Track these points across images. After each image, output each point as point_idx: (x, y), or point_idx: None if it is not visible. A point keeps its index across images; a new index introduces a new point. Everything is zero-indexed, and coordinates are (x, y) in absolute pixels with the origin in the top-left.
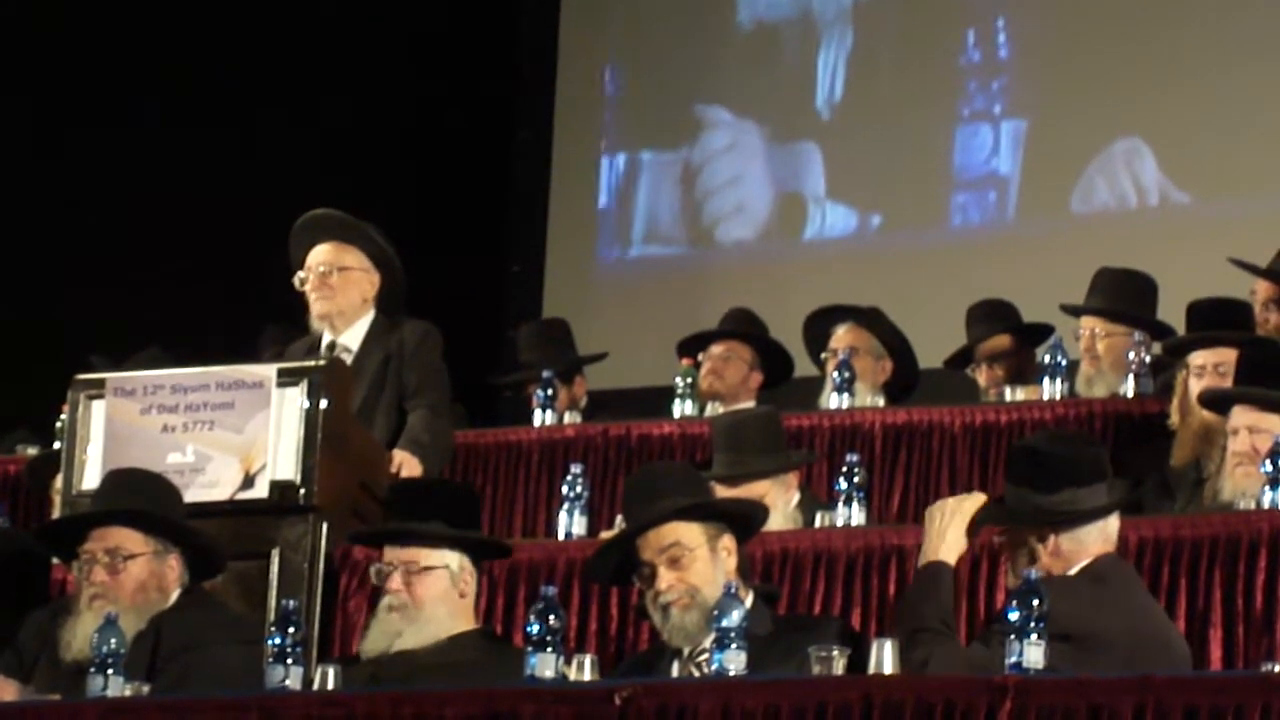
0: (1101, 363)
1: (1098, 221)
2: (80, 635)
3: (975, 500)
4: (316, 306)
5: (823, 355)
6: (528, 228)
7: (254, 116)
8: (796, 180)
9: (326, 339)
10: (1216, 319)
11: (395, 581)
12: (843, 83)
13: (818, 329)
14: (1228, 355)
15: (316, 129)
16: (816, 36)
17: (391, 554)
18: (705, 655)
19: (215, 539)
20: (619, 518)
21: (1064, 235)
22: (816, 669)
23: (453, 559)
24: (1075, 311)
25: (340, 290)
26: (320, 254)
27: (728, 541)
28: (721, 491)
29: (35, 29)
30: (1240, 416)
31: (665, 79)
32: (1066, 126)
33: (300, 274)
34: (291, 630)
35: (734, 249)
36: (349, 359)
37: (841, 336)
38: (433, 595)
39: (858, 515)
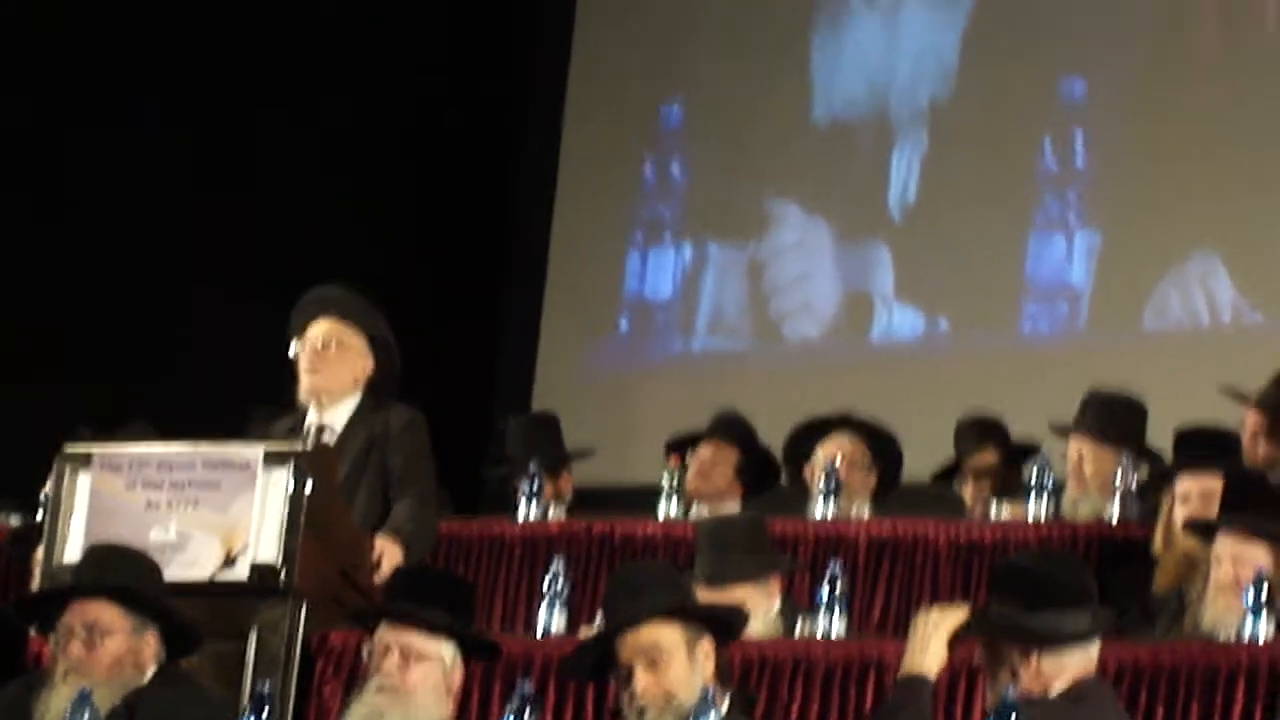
0: (1088, 484)
1: (1169, 337)
2: (54, 709)
3: (958, 613)
4: (307, 380)
5: (805, 468)
6: (522, 321)
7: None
8: (864, 279)
9: (311, 416)
10: (1204, 447)
11: (391, 662)
12: (916, 184)
13: (806, 439)
14: (1214, 483)
15: (314, 205)
16: (891, 136)
17: (390, 636)
18: None
19: (193, 618)
20: (599, 616)
21: (1135, 349)
22: None
23: (447, 651)
24: (1064, 432)
25: (334, 366)
26: (321, 327)
27: (706, 645)
28: (704, 594)
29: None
30: (1224, 546)
31: (736, 170)
32: (1141, 239)
33: (296, 344)
34: (266, 713)
35: (800, 346)
36: (332, 438)
37: (836, 445)
38: (425, 684)
39: (838, 625)
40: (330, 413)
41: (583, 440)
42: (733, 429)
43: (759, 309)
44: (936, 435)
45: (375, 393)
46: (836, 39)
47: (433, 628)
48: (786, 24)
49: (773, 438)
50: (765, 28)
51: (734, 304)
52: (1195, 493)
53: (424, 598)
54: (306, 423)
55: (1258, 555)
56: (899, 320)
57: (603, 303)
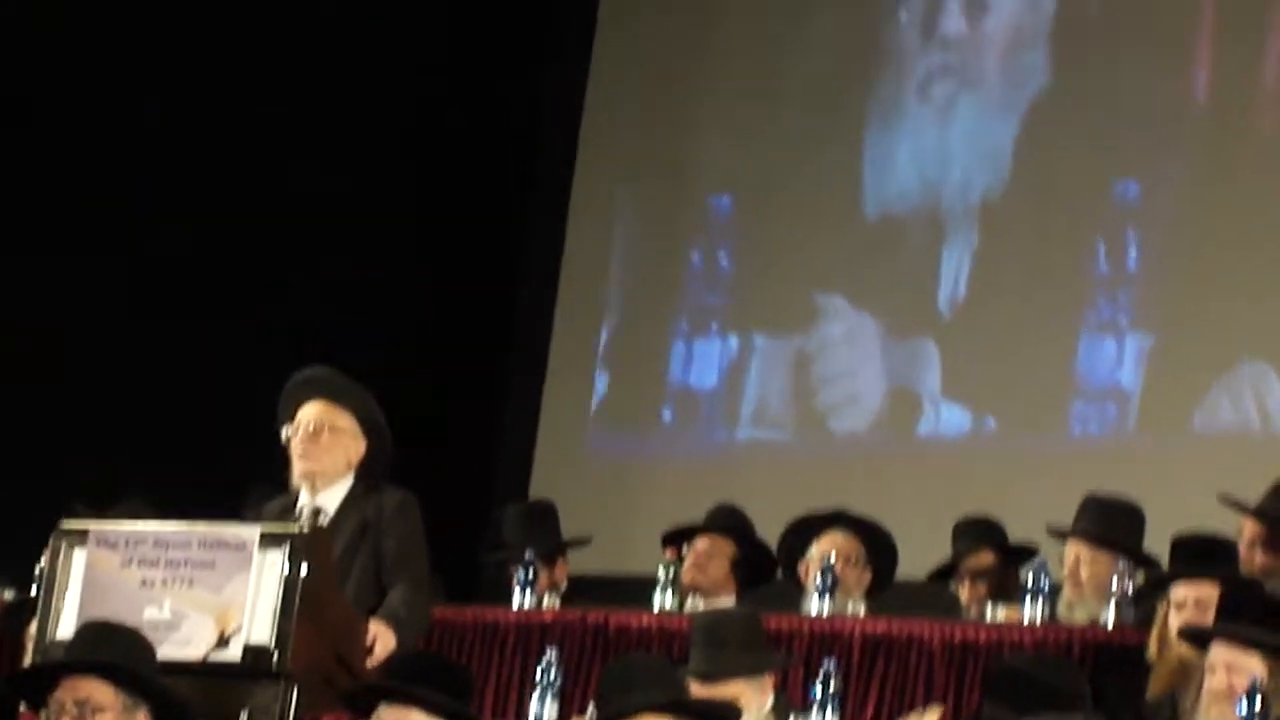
0: (1084, 589)
1: (1219, 442)
2: None
3: (934, 714)
4: (300, 464)
5: (800, 563)
6: (523, 406)
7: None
8: (912, 375)
9: (304, 498)
10: (1201, 554)
11: None
12: (966, 280)
13: (802, 535)
14: (1210, 591)
15: (316, 285)
16: (942, 231)
17: (388, 714)
18: None
19: (185, 698)
20: (591, 707)
21: (1184, 453)
22: None
23: None
24: (1062, 535)
25: (327, 450)
26: (312, 410)
27: None
28: (697, 688)
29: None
30: (1219, 654)
31: (784, 262)
32: (1193, 344)
33: (288, 428)
34: None
35: (844, 440)
36: (325, 521)
37: (832, 542)
38: None
39: None
40: (323, 495)
41: (580, 528)
42: (729, 522)
43: (804, 401)
44: None
45: (367, 474)
46: (889, 133)
47: (434, 708)
48: (840, 117)
49: None
50: (818, 121)
51: (779, 396)
52: (1191, 600)
53: (422, 681)
54: (299, 505)
55: (1252, 665)
56: (946, 417)
57: (644, 391)
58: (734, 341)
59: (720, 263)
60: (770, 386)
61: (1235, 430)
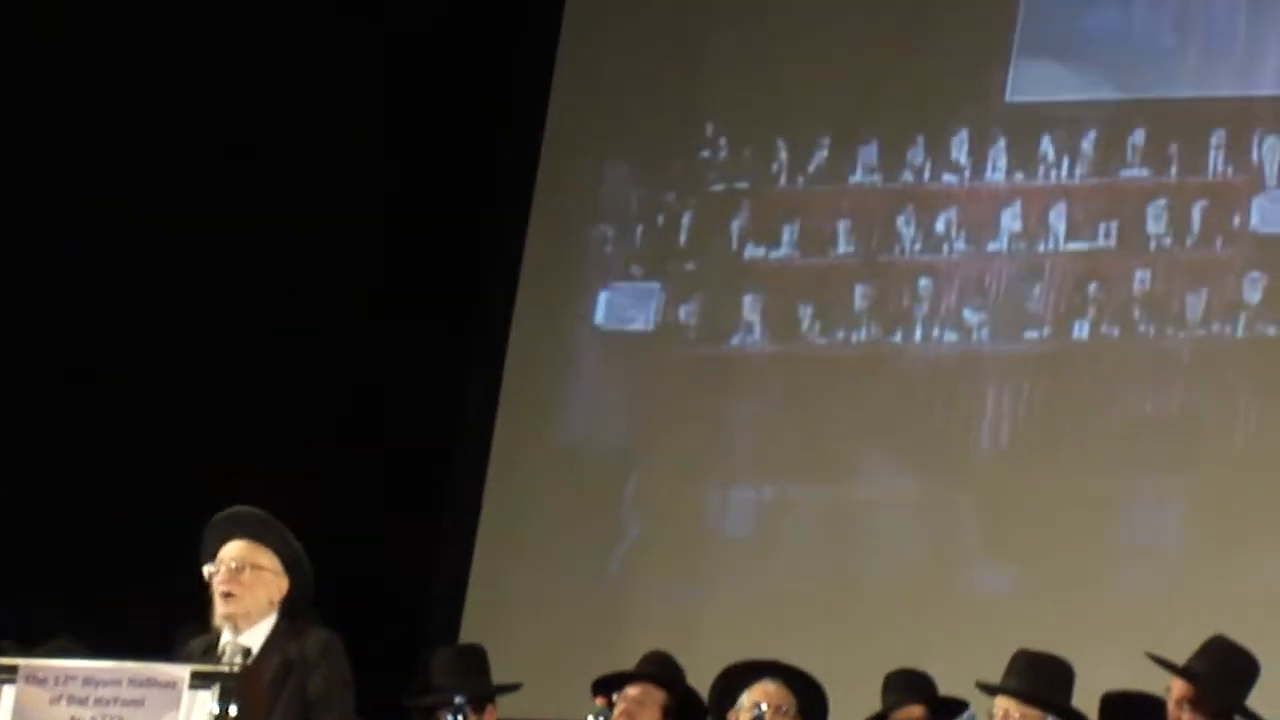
0: None
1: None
2: None
3: None
4: (223, 606)
5: (731, 713)
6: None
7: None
8: (950, 531)
9: (227, 638)
10: (1129, 713)
11: None
12: (1007, 435)
13: (733, 683)
14: None
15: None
16: (983, 384)
17: None
18: None
19: None
20: None
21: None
22: None
23: None
24: (991, 691)
25: (249, 589)
26: (234, 549)
27: None
28: None
29: None
30: None
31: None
32: (1235, 500)
33: (209, 566)
34: None
35: (878, 591)
36: (249, 660)
37: (768, 693)
38: None
39: None
40: (246, 635)
41: (509, 673)
42: (661, 669)
43: (839, 553)
44: None
45: (290, 612)
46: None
47: None
48: None
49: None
50: None
51: (812, 548)
52: None
53: None
54: (222, 643)
55: None
56: (982, 574)
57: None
58: (768, 492)
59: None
60: (803, 539)
61: None
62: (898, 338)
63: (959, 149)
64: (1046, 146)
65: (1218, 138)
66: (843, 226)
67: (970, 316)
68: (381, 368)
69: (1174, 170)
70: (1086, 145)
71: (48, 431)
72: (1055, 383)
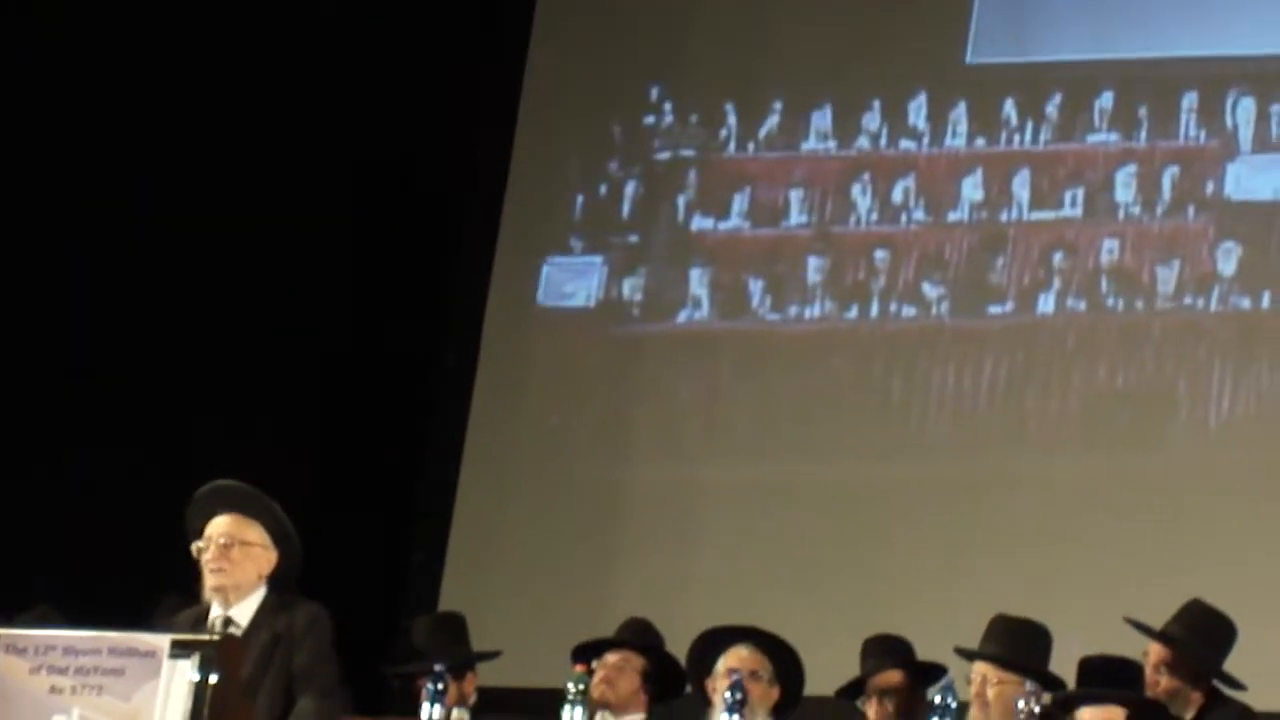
0: (991, 710)
1: None
2: None
3: None
4: (212, 579)
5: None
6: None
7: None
8: (905, 513)
9: (216, 611)
10: (1107, 677)
11: None
12: (968, 414)
13: (709, 649)
14: (1115, 714)
15: (223, 396)
16: (944, 361)
17: None
18: None
19: None
20: None
21: None
22: None
23: None
24: (968, 656)
25: (239, 564)
26: (221, 525)
27: None
28: None
29: None
30: None
31: None
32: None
33: (198, 543)
34: None
35: (844, 567)
36: (237, 633)
37: (743, 658)
38: None
39: None
40: (236, 609)
41: (488, 641)
42: (640, 636)
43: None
44: None
45: (279, 584)
46: None
47: None
48: None
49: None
50: None
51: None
52: None
53: None
54: (211, 617)
55: None
56: (945, 554)
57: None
58: None
59: None
60: None
61: None
62: (853, 313)
63: (917, 114)
64: (1009, 110)
65: (1189, 100)
66: (795, 196)
67: (929, 290)
68: (357, 340)
69: (1143, 135)
70: (1051, 109)
71: (26, 404)
72: (1019, 359)
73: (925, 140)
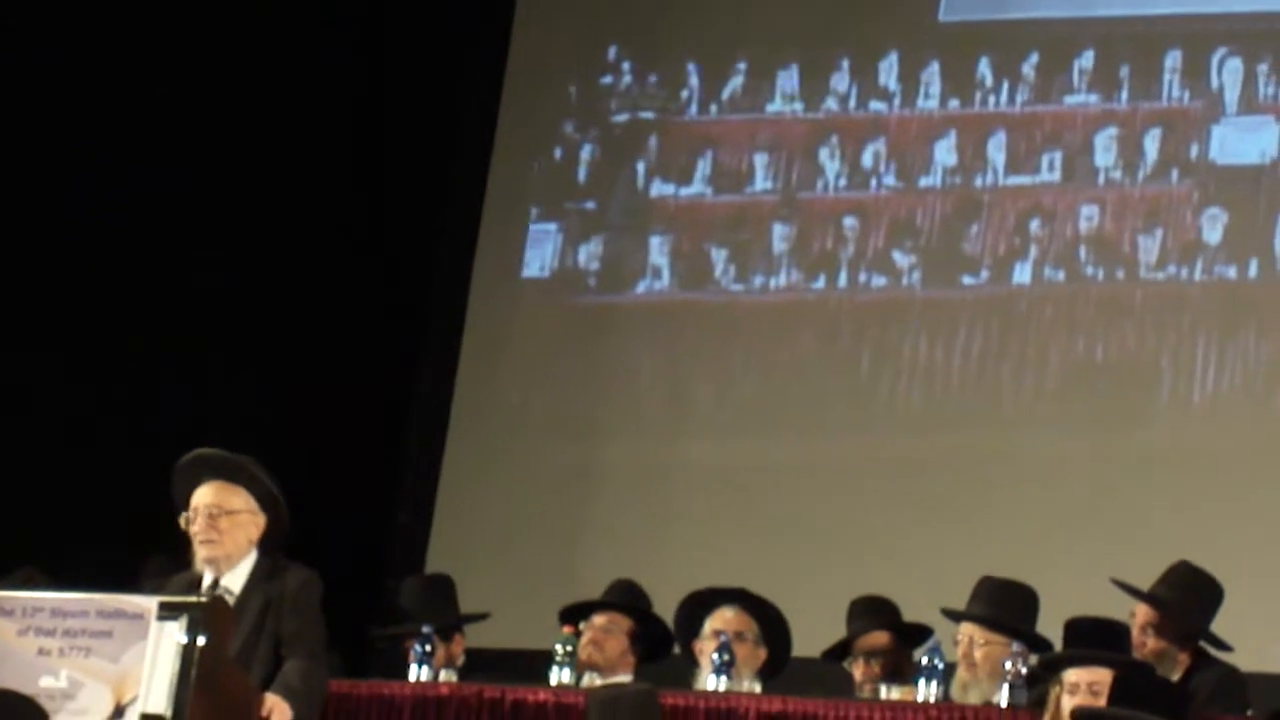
0: (978, 670)
1: None
2: None
3: None
4: (203, 550)
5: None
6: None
7: None
8: (878, 490)
9: (209, 578)
10: (1093, 638)
11: None
12: (940, 388)
13: (696, 610)
14: (1102, 675)
15: (211, 356)
16: (915, 333)
17: None
18: None
19: None
20: None
21: None
22: None
23: None
24: (955, 617)
25: (228, 534)
26: (207, 495)
27: None
28: None
29: None
30: None
31: None
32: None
33: (186, 514)
34: None
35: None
36: (230, 599)
37: (729, 619)
38: None
39: None
40: (228, 577)
41: (476, 603)
42: (627, 598)
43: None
44: None
45: (269, 548)
46: None
47: None
48: None
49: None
50: None
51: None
52: (1084, 684)
53: None
54: (204, 586)
55: None
56: (918, 530)
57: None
58: None
59: None
60: None
61: None
62: (820, 283)
63: (888, 74)
64: (984, 70)
65: (1173, 59)
66: (760, 161)
67: (900, 259)
68: (345, 301)
69: (1125, 96)
70: (1028, 69)
71: (9, 368)
72: (994, 331)
73: (896, 102)
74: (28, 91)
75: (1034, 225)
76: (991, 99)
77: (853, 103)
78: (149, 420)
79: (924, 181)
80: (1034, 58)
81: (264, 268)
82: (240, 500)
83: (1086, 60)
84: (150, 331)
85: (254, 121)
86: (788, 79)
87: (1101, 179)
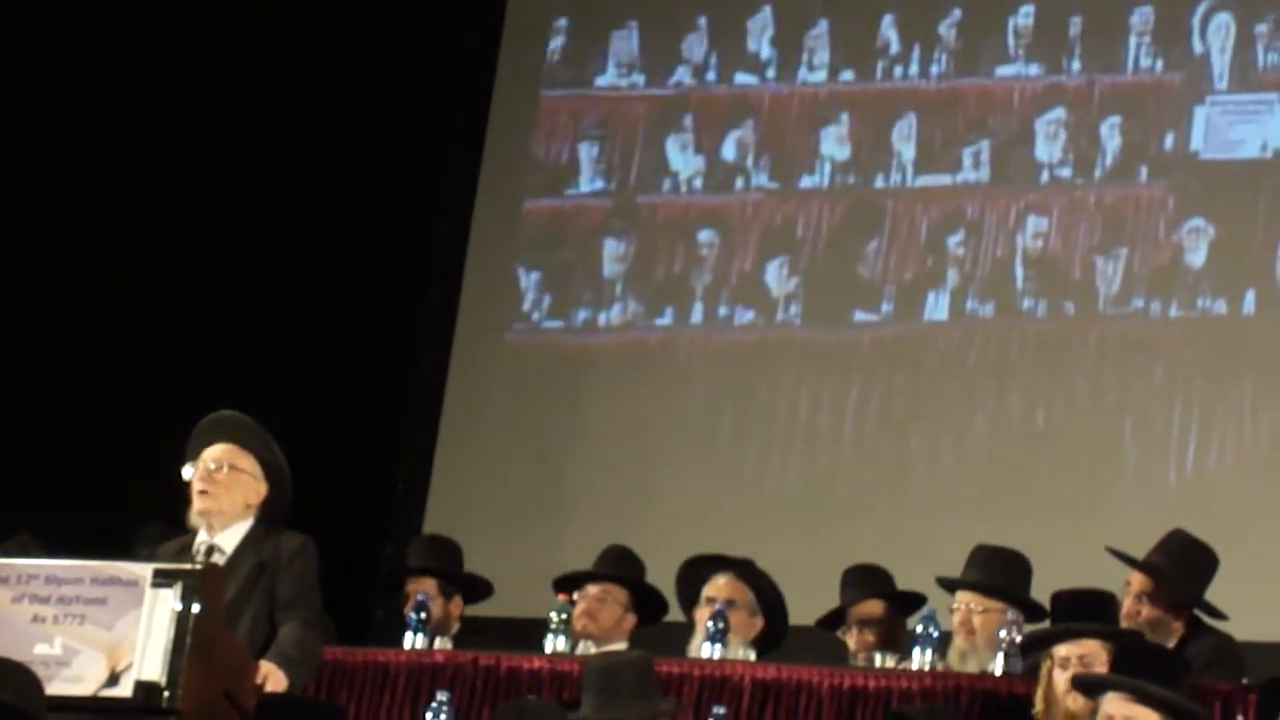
0: (977, 637)
1: None
2: None
3: None
4: (198, 502)
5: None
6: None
7: None
8: None
9: (201, 536)
10: (1081, 610)
11: None
12: (824, 460)
13: (693, 577)
14: (1091, 647)
15: (211, 325)
16: (794, 384)
17: None
18: None
19: None
20: None
21: None
22: None
23: None
24: (950, 586)
25: (225, 488)
26: (215, 451)
27: None
28: None
29: None
30: (1112, 705)
31: None
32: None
33: (190, 467)
34: None
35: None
36: (221, 560)
37: (721, 586)
38: None
39: None
40: (221, 536)
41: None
42: (621, 565)
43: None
44: None
45: (267, 518)
46: None
47: None
48: None
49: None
50: None
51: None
52: (1074, 657)
53: None
54: (196, 544)
55: (1146, 718)
56: None
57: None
58: None
59: None
60: None
61: None
62: (667, 318)
63: (759, 36)
64: (887, 32)
65: (1142, 17)
66: (586, 152)
67: (774, 285)
68: (346, 273)
69: (1075, 66)
70: (946, 30)
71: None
72: (897, 384)
73: (770, 73)
74: (28, 91)
75: (952, 242)
76: (897, 70)
77: (711, 74)
78: (147, 390)
79: (806, 181)
80: (955, 13)
81: (261, 247)
82: (246, 462)
83: (1024, 17)
84: (149, 306)
85: (253, 122)
86: (624, 41)
87: (1044, 178)
